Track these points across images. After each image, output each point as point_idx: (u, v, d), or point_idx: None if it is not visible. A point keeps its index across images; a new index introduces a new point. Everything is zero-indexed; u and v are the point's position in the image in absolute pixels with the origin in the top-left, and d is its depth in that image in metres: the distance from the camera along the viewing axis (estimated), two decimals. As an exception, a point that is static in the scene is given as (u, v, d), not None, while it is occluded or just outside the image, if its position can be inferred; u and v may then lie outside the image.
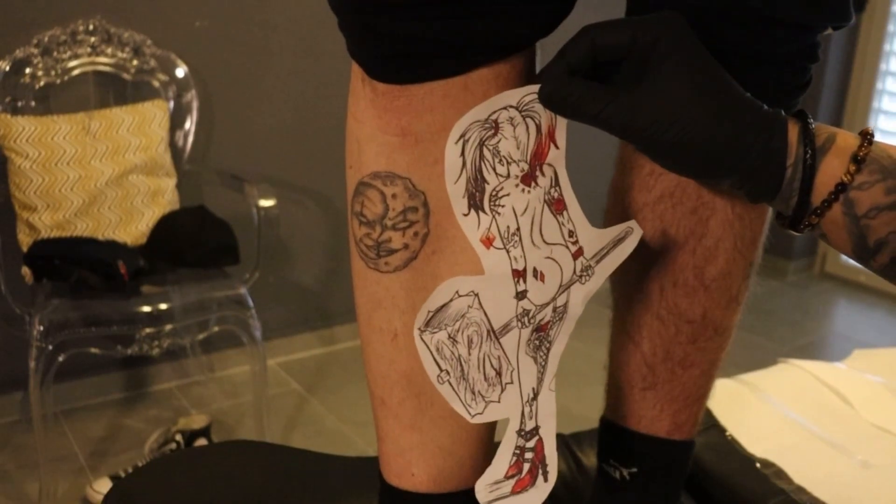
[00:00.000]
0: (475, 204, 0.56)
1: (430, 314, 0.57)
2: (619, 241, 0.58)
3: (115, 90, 2.21)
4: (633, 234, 0.58)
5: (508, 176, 0.55)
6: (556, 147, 0.56)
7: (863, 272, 3.44)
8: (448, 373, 0.58)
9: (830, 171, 0.49)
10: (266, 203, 2.09)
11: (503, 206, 0.56)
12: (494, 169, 0.55)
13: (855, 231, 0.50)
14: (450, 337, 0.57)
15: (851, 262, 3.68)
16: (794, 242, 3.52)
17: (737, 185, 0.53)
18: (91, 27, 2.14)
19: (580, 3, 0.58)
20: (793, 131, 0.51)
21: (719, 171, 0.51)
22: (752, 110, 0.50)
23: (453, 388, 0.58)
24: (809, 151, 0.49)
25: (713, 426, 1.11)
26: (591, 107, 0.50)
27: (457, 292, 0.56)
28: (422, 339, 0.57)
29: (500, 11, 0.52)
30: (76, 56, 2.14)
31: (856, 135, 0.51)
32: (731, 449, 1.07)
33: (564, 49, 0.52)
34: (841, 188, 0.49)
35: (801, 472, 1.02)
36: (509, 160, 0.55)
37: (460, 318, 0.57)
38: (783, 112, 0.52)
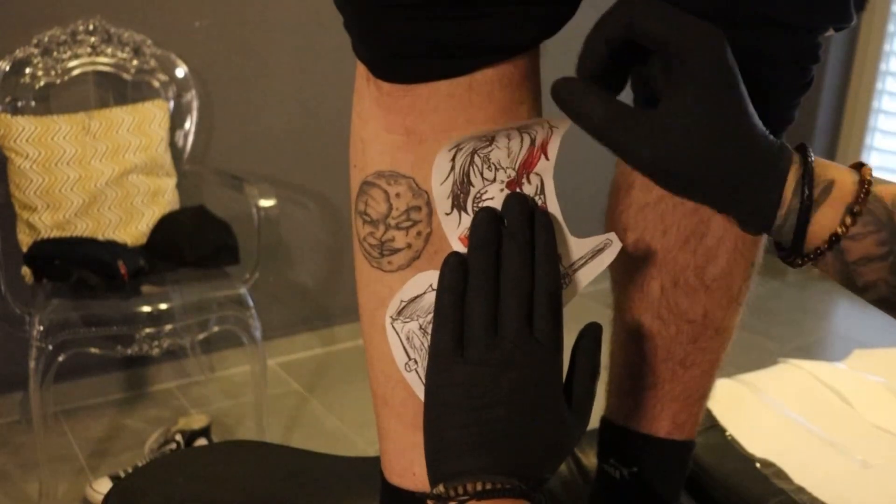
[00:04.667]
0: (458, 204, 0.56)
1: (403, 304, 0.58)
2: (597, 252, 0.59)
3: (115, 90, 2.21)
4: (612, 246, 0.58)
5: (494, 181, 0.56)
6: (547, 158, 0.57)
7: (862, 272, 3.43)
8: (416, 362, 0.58)
9: (825, 221, 0.49)
10: (266, 203, 2.09)
11: None
12: (482, 174, 0.56)
13: (844, 273, 0.50)
14: (421, 328, 0.58)
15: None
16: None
17: (724, 215, 0.52)
18: (91, 27, 2.14)
19: (584, 4, 0.58)
20: (791, 179, 0.49)
21: (707, 203, 0.51)
22: (755, 154, 0.48)
23: (420, 378, 0.58)
24: (805, 204, 0.48)
25: (713, 426, 1.11)
26: (596, 122, 0.49)
27: (430, 286, 0.57)
28: (392, 327, 0.58)
29: (505, 13, 0.52)
30: (76, 56, 2.14)
31: (854, 177, 0.49)
32: (731, 449, 1.07)
33: (603, 22, 0.50)
34: (835, 239, 0.48)
35: (801, 472, 1.02)
36: (498, 167, 0.56)
37: (433, 310, 0.57)
38: (786, 144, 0.50)
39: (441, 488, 0.51)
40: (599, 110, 0.49)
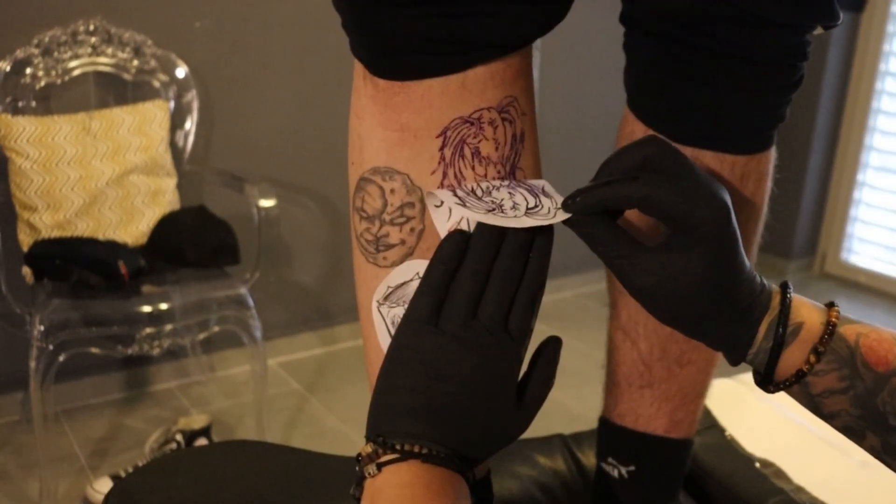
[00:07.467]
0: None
1: (390, 290, 0.59)
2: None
3: (116, 90, 2.22)
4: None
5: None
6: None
7: (862, 272, 3.44)
8: None
9: (792, 359, 0.54)
10: (266, 203, 2.09)
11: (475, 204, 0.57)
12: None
13: (810, 402, 0.56)
14: None
15: (851, 261, 3.61)
16: (793, 242, 3.52)
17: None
18: (91, 27, 2.15)
19: (577, 4, 0.58)
20: (764, 324, 0.54)
21: (686, 334, 0.56)
22: (736, 303, 0.53)
23: None
24: (777, 344, 0.54)
25: (712, 426, 1.11)
26: (603, 248, 0.54)
27: (417, 273, 0.58)
28: (379, 311, 0.59)
29: (497, 11, 0.53)
30: (77, 56, 2.14)
31: (823, 317, 0.54)
32: (731, 449, 1.07)
33: (612, 188, 0.53)
34: (800, 374, 0.54)
35: (800, 471, 1.03)
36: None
37: None
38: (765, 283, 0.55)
39: (375, 443, 0.52)
40: (607, 239, 0.54)
